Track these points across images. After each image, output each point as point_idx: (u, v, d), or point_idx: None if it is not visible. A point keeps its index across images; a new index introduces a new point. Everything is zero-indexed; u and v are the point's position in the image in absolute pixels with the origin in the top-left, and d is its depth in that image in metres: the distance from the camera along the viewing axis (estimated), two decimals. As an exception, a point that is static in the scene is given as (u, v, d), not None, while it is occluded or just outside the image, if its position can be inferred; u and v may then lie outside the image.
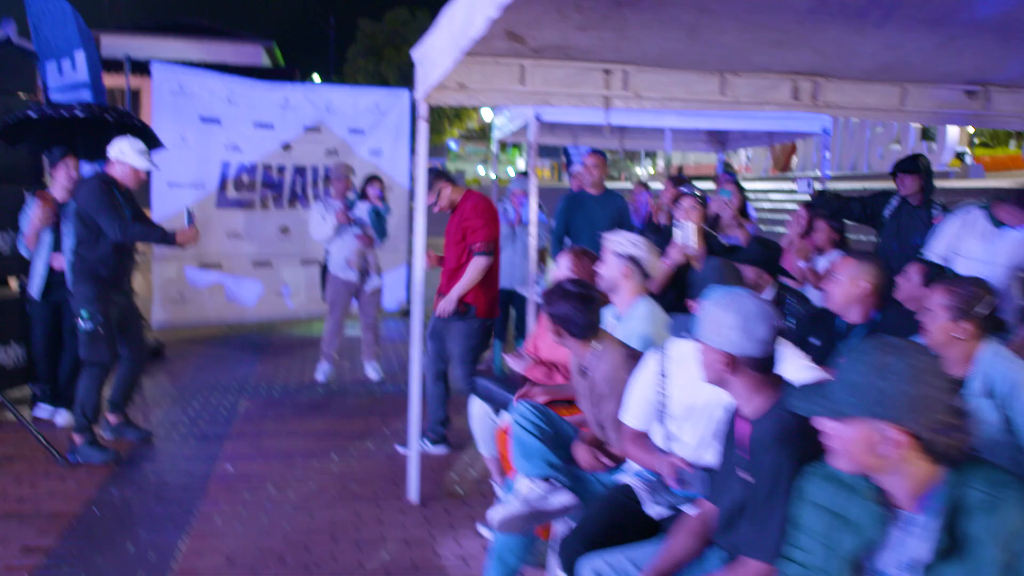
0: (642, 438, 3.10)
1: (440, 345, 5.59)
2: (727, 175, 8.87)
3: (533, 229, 6.62)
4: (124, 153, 5.38)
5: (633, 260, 3.77)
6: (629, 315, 3.76)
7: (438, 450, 5.60)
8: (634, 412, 3.11)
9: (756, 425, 2.36)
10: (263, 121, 9.79)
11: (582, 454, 3.33)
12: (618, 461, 3.30)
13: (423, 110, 4.57)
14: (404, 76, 39.29)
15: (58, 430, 5.81)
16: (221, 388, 7.20)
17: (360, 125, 10.41)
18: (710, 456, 2.90)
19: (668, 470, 2.85)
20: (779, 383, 2.37)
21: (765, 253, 4.96)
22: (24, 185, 6.42)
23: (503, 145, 14.54)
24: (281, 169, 9.97)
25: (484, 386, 4.25)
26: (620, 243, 3.81)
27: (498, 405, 4.18)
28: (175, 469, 5.24)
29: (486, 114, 50.29)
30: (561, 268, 4.24)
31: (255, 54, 42.03)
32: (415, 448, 4.73)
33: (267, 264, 9.94)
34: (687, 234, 4.80)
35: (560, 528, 3.37)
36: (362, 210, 7.36)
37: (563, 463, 3.33)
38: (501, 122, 8.60)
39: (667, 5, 3.35)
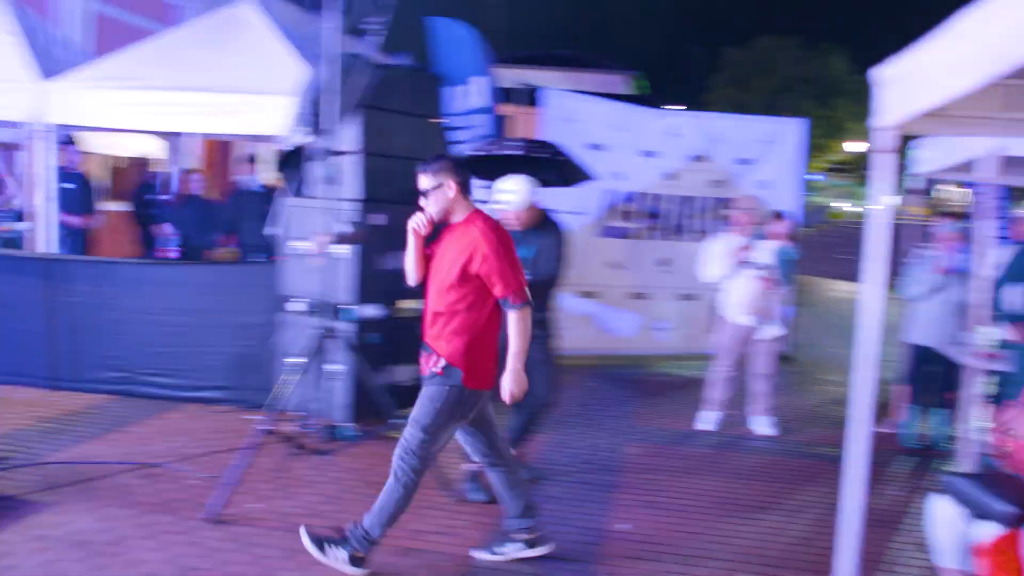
0: None
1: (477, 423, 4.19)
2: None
3: (981, 283, 5.60)
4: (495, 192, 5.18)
5: None
6: None
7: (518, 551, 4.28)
8: None
9: None
10: (648, 149, 9.49)
11: None
12: None
13: (889, 141, 3.82)
14: (769, 105, 38.05)
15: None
16: (598, 426, 6.85)
17: (748, 155, 9.79)
18: None
19: None
20: None
21: None
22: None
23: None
24: (665, 199, 9.61)
25: (959, 485, 3.42)
26: None
27: (979, 512, 3.32)
28: (566, 521, 4.86)
29: (851, 146, 47.63)
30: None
31: (618, 84, 42.82)
32: (852, 531, 3.97)
33: (644, 296, 9.61)
34: None
35: None
36: (765, 249, 6.68)
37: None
38: (929, 155, 7.54)
39: None
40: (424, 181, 4.04)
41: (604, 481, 5.55)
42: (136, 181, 11.19)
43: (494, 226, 3.99)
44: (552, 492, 5.29)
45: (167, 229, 8.88)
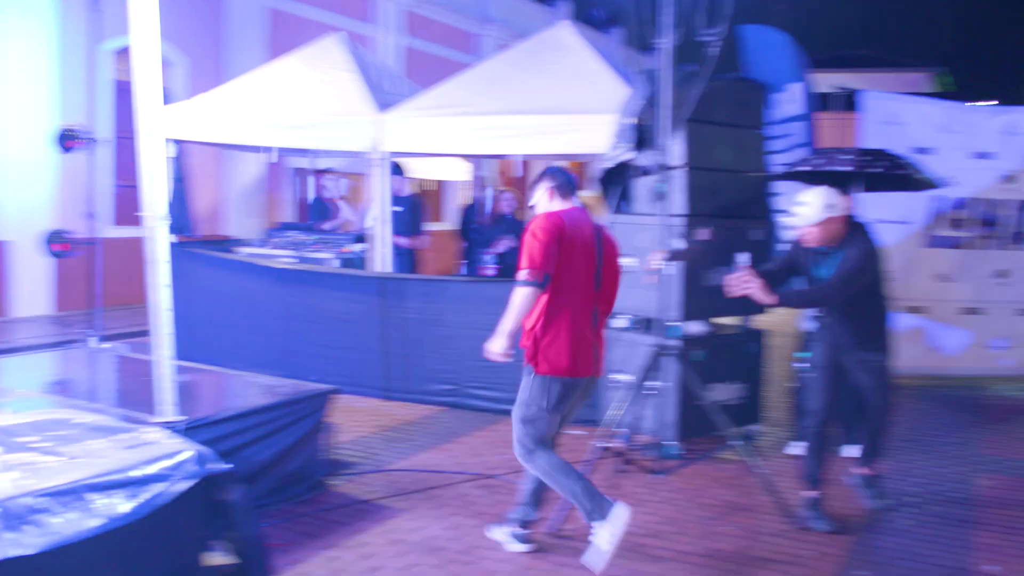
0: None
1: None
2: None
3: None
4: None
5: None
6: None
7: None
8: None
9: None
10: (982, 150, 8.70)
11: None
12: None
13: None
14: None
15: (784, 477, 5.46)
16: (939, 454, 6.30)
17: (1105, 151, 8.70)
18: None
19: None
20: None
21: None
22: (753, 221, 6.32)
23: None
24: (1002, 204, 8.76)
25: None
26: None
27: None
28: (922, 557, 4.47)
29: None
30: None
31: (919, 81, 40.00)
32: None
33: (977, 311, 8.79)
34: None
35: None
36: None
37: None
38: None
39: None
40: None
41: (958, 515, 5.08)
42: (454, 203, 11.77)
43: (551, 215, 4.17)
44: (902, 524, 4.92)
45: (509, 242, 9.22)
